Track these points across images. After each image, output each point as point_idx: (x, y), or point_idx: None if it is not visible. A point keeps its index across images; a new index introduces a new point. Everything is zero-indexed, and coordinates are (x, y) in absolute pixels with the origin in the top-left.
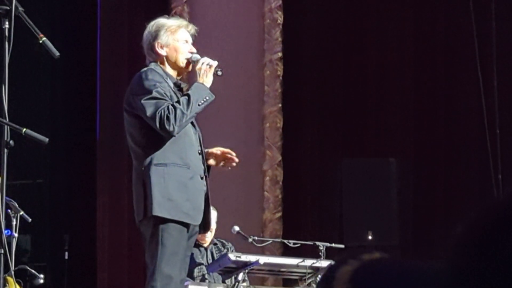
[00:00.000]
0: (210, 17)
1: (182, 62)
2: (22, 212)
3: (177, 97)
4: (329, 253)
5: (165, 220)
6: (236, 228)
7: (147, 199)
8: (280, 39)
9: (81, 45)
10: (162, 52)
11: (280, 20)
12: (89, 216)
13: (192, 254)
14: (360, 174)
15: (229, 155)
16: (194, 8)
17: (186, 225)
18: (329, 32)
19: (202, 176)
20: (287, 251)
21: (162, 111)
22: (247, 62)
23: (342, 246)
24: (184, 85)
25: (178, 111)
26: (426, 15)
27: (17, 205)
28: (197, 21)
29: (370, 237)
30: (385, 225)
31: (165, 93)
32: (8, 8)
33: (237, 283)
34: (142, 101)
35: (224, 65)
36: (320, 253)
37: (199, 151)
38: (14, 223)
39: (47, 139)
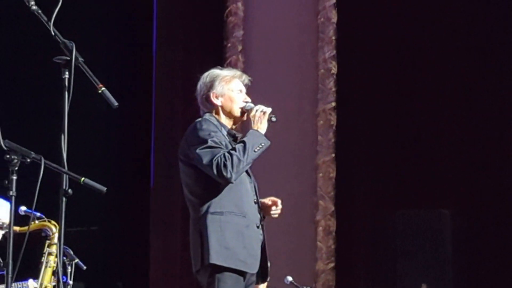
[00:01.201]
0: (265, 66)
1: (236, 112)
2: (77, 260)
3: (232, 146)
4: None
5: (221, 269)
6: (289, 278)
7: (204, 247)
8: (334, 88)
9: (137, 96)
10: (217, 102)
11: (334, 70)
12: (143, 263)
13: None
14: (414, 225)
15: (274, 205)
16: (249, 57)
17: (242, 273)
18: (382, 83)
19: (258, 225)
20: None
21: (219, 158)
22: (300, 111)
23: None
24: (238, 135)
25: (235, 158)
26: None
27: (72, 253)
28: (251, 70)
29: None
30: (439, 278)
31: (220, 141)
32: (68, 58)
33: None
34: (198, 151)
35: (278, 115)
36: None
37: (255, 200)
38: (69, 270)
39: (105, 188)
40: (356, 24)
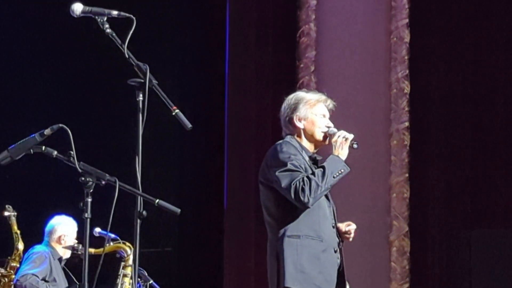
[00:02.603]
0: (337, 87)
1: (318, 136)
2: (151, 281)
3: (312, 170)
4: None
5: None
6: None
7: (280, 271)
8: (407, 108)
9: (209, 118)
10: (300, 125)
11: (407, 89)
12: (216, 284)
13: None
14: (490, 245)
15: (349, 230)
16: (321, 78)
17: None
18: (456, 101)
19: (336, 249)
20: None
21: (297, 182)
22: (373, 132)
23: None
24: (319, 158)
25: (313, 183)
26: None
27: (146, 274)
28: (324, 91)
29: None
30: None
31: (300, 165)
32: (142, 80)
33: None
34: (277, 173)
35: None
36: None
37: (333, 224)
38: None
39: (179, 210)
40: (429, 43)
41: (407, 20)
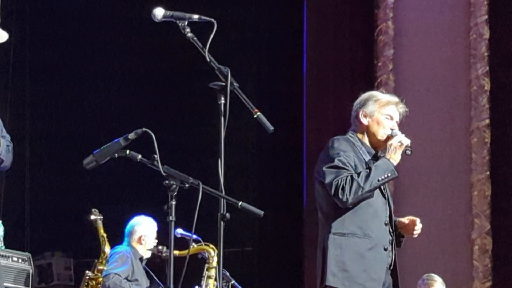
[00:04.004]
0: (416, 85)
1: (380, 136)
2: (233, 281)
3: (366, 167)
4: None
5: None
6: None
7: (324, 268)
8: (487, 105)
9: (288, 118)
10: (364, 121)
11: (487, 86)
12: (297, 284)
13: None
14: None
15: (412, 224)
16: (400, 76)
17: None
18: None
19: (386, 247)
20: None
21: (340, 180)
22: (454, 129)
23: None
24: (381, 155)
25: (355, 183)
26: None
27: (228, 274)
28: (403, 89)
29: None
30: None
31: (348, 162)
32: (223, 84)
33: None
34: (324, 168)
35: (431, 133)
36: None
37: (386, 222)
38: None
39: (262, 212)
40: (509, 39)
41: (486, 17)
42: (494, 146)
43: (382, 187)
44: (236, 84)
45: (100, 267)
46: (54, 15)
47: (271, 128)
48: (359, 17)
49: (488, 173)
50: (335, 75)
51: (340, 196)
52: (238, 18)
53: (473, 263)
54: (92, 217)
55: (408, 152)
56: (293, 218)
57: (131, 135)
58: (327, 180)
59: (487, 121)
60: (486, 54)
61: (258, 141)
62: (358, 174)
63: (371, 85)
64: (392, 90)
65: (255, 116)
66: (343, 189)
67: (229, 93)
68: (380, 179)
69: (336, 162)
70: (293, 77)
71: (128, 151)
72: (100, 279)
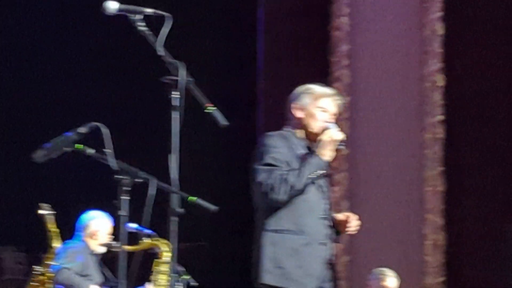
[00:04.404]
0: (371, 81)
1: (314, 129)
2: (188, 277)
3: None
4: None
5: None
6: None
7: (259, 265)
8: (440, 101)
9: (243, 113)
10: (298, 114)
11: (441, 83)
12: (251, 279)
13: None
14: None
15: (347, 221)
16: (355, 72)
17: None
18: (490, 94)
19: (323, 242)
20: None
21: (271, 179)
22: (407, 125)
23: None
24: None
25: (286, 183)
26: None
27: (182, 269)
28: (358, 84)
29: None
30: None
31: (280, 159)
32: (177, 78)
33: None
34: (257, 166)
35: (384, 129)
36: None
37: (322, 216)
38: (179, 287)
39: (216, 208)
40: (463, 36)
41: (440, 13)
42: (447, 142)
43: (318, 181)
44: (189, 79)
45: (48, 262)
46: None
47: (224, 122)
48: (314, 13)
49: (440, 168)
50: (291, 71)
51: (272, 195)
52: (193, 14)
53: (426, 259)
54: (41, 211)
55: (341, 147)
56: (248, 213)
57: (83, 129)
58: (259, 179)
59: (440, 117)
60: (439, 50)
61: (213, 136)
62: (289, 172)
63: (326, 81)
64: (347, 85)
65: (208, 110)
66: (273, 188)
67: (183, 87)
68: (310, 176)
69: (269, 160)
70: (247, 74)
71: (79, 145)
72: (50, 274)
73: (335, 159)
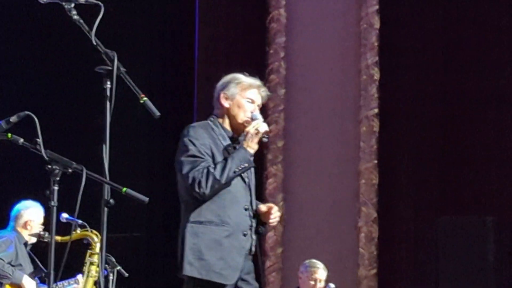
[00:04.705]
0: (307, 73)
1: (240, 119)
2: (119, 267)
3: (228, 153)
4: None
5: (197, 280)
6: (332, 285)
7: (182, 257)
8: (376, 95)
9: (179, 105)
10: (225, 104)
11: (377, 76)
12: None
13: None
14: (456, 232)
15: (269, 212)
16: (291, 64)
17: (221, 285)
18: (425, 88)
19: (246, 233)
20: None
21: (196, 173)
22: (343, 118)
23: None
24: (241, 138)
25: (211, 177)
26: None
27: (114, 260)
28: (294, 76)
29: None
30: (481, 285)
31: (205, 151)
32: (110, 68)
33: None
34: (181, 158)
35: (320, 122)
36: None
37: (246, 207)
38: (111, 277)
39: (147, 199)
40: (399, 30)
41: (377, 7)
42: (382, 135)
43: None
44: (123, 69)
45: None
46: None
47: (158, 113)
48: (251, 4)
49: (375, 161)
50: (227, 62)
51: (197, 189)
52: (128, 3)
53: (359, 251)
54: None
55: (265, 140)
56: None
57: (13, 118)
58: (183, 171)
59: (376, 110)
60: (376, 44)
61: (148, 126)
62: (215, 165)
63: (262, 73)
64: (283, 77)
65: (141, 101)
66: (199, 183)
67: (116, 77)
68: (236, 170)
69: (192, 152)
70: (184, 66)
71: (9, 134)
72: None
73: (265, 151)
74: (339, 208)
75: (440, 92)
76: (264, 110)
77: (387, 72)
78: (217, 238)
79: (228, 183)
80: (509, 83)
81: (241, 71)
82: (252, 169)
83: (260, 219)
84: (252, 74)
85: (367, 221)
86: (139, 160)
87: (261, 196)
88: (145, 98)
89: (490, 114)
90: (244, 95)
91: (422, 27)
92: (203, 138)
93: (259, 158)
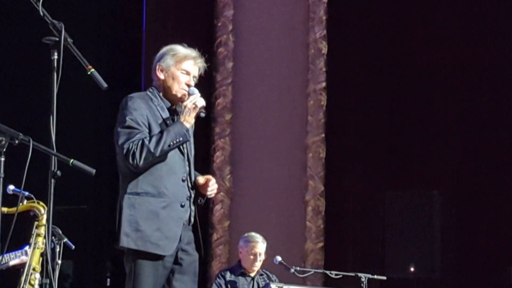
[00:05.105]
0: (255, 46)
1: (175, 91)
2: (65, 239)
3: (166, 124)
4: (371, 285)
5: (135, 252)
6: (278, 258)
7: (119, 228)
8: (324, 69)
9: (126, 77)
10: (161, 75)
11: (325, 50)
12: None
13: (239, 281)
14: (403, 206)
15: (207, 184)
16: (239, 37)
17: (159, 256)
18: (373, 62)
19: (183, 203)
20: (328, 282)
21: (131, 144)
22: (291, 92)
23: (384, 278)
24: (179, 108)
25: (145, 149)
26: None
27: (60, 232)
28: (242, 50)
29: (412, 269)
30: (427, 258)
31: (141, 122)
32: (57, 39)
33: None
34: (118, 129)
35: (268, 95)
36: (361, 285)
37: (184, 178)
38: (57, 250)
39: (94, 170)
40: (347, 3)
41: None
42: (330, 109)
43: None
44: (70, 40)
45: None
46: None
47: (105, 85)
48: None
49: (323, 135)
50: (175, 35)
51: (131, 161)
52: None
53: (306, 224)
54: None
55: (202, 115)
56: None
57: None
58: (119, 142)
59: (324, 84)
60: (324, 17)
61: (95, 99)
62: (150, 138)
63: (211, 46)
64: (232, 50)
65: (88, 72)
66: (133, 154)
67: (63, 48)
68: (171, 144)
69: (129, 123)
70: (131, 39)
71: None
72: None
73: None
74: (287, 181)
75: (387, 66)
76: (212, 83)
77: (335, 45)
78: (153, 209)
79: (163, 156)
80: (455, 57)
81: (189, 44)
82: (192, 141)
83: (198, 191)
84: (200, 47)
85: (314, 195)
86: (86, 132)
87: (208, 169)
88: (93, 70)
89: (437, 88)
90: (179, 66)
91: (370, 0)
92: (140, 108)
93: (207, 131)
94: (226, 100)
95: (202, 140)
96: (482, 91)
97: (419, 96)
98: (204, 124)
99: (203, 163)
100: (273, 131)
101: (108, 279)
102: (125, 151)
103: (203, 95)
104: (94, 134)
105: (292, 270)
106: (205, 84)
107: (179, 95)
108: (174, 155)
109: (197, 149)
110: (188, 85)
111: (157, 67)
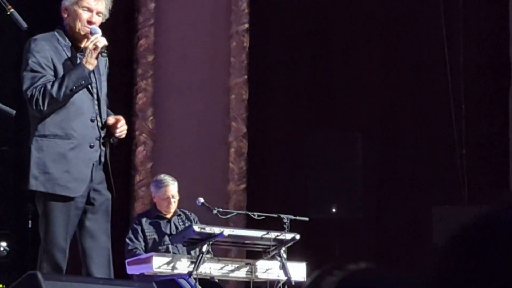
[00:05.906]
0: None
1: (78, 30)
2: None
3: (72, 64)
4: (293, 226)
5: (45, 194)
6: (201, 199)
7: (28, 171)
8: (247, 10)
9: (46, 18)
10: (65, 14)
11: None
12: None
13: (156, 224)
14: (326, 147)
15: (116, 124)
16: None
17: (69, 198)
18: (297, 3)
19: (93, 144)
20: (251, 223)
21: (34, 90)
22: (213, 33)
23: (306, 218)
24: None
25: (48, 94)
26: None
27: None
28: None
29: (334, 210)
30: (349, 199)
31: (45, 64)
32: None
33: (201, 255)
34: (23, 73)
35: (191, 36)
36: (284, 226)
37: (92, 118)
38: None
39: (14, 112)
40: None
41: None
42: (252, 50)
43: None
44: None
45: None
46: None
47: (25, 25)
48: None
49: (246, 77)
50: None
51: (35, 107)
52: None
53: (229, 166)
54: None
55: (104, 55)
56: None
57: None
58: (23, 88)
59: (246, 25)
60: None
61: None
62: (53, 83)
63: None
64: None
65: (8, 13)
66: (37, 101)
67: None
68: (73, 88)
69: (31, 66)
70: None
71: None
72: None
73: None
74: (209, 123)
75: (312, 5)
76: (134, 24)
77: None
78: (61, 151)
79: (67, 99)
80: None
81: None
82: (104, 80)
83: (109, 131)
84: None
85: (237, 136)
86: (6, 73)
87: (130, 111)
88: (12, 10)
89: (357, 31)
90: (80, 3)
91: None
92: (44, 50)
93: (128, 72)
94: (148, 41)
95: (124, 81)
96: (405, 35)
97: (343, 38)
98: (126, 65)
99: (125, 105)
100: (196, 72)
101: (30, 221)
102: (28, 97)
103: (126, 36)
104: (15, 75)
105: (215, 212)
106: (128, 25)
107: (82, 33)
108: (82, 95)
109: (119, 90)
110: (90, 22)
111: (62, 7)
